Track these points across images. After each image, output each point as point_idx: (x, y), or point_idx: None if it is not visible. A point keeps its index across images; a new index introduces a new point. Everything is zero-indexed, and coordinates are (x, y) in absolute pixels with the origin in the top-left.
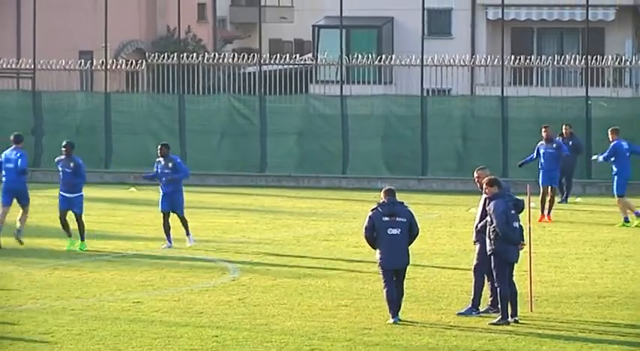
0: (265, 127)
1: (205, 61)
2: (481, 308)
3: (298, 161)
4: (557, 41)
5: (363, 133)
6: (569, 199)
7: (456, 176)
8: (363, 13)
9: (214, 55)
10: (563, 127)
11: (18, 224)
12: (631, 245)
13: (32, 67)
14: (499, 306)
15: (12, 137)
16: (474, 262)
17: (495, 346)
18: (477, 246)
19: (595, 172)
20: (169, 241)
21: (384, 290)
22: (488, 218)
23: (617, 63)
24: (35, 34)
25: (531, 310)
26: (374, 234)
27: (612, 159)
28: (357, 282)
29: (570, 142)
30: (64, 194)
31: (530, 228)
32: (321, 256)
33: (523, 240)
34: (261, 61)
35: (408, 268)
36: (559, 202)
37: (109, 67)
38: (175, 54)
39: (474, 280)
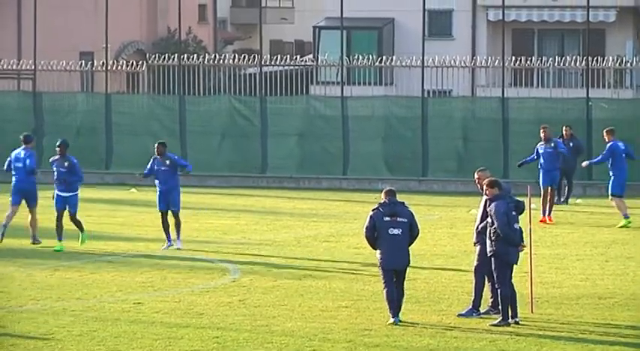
0: (266, 128)
1: (206, 62)
2: (482, 309)
3: (299, 162)
4: (558, 42)
5: (364, 134)
6: (570, 201)
7: (456, 177)
8: (364, 14)
9: (215, 56)
10: (564, 128)
11: (31, 230)
12: (632, 246)
13: (33, 68)
14: (500, 307)
15: (22, 137)
16: (475, 263)
17: (496, 348)
18: (478, 247)
19: (595, 174)
20: (169, 241)
21: (384, 290)
22: (488, 219)
23: (617, 64)
24: (36, 35)
25: (532, 312)
26: (375, 234)
27: (609, 160)
28: (358, 283)
29: (571, 144)
30: (59, 194)
31: (530, 229)
32: (321, 258)
33: (523, 241)
34: (262, 62)
35: (409, 269)
36: (557, 204)
37: (109, 68)
38: (176, 55)
39: (474, 281)
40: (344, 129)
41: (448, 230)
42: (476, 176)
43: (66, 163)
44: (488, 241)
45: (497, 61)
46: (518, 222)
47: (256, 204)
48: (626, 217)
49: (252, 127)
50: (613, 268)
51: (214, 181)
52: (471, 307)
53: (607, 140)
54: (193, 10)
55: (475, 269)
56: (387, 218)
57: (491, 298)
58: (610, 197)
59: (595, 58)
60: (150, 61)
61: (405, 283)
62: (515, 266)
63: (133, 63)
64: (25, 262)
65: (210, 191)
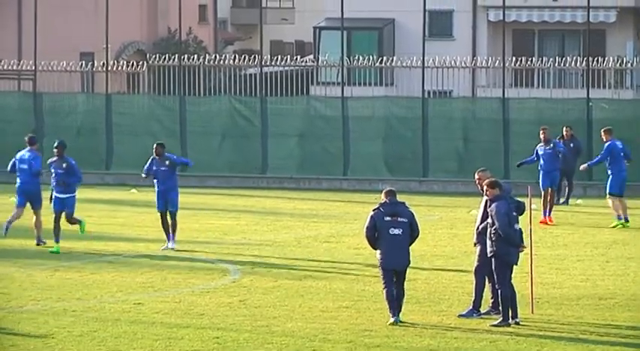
0: (266, 129)
1: (206, 63)
2: (482, 310)
3: (299, 163)
4: (559, 43)
5: (364, 134)
6: (570, 201)
7: (457, 178)
8: (364, 14)
9: (215, 56)
10: (564, 128)
11: (35, 232)
12: (632, 247)
13: (33, 68)
14: (500, 308)
15: (26, 139)
16: (475, 263)
17: (496, 348)
18: (478, 248)
19: (596, 174)
20: (169, 241)
21: (384, 290)
22: (489, 220)
23: (618, 65)
24: (36, 36)
25: (532, 312)
26: (375, 234)
27: (607, 159)
28: (358, 284)
29: (571, 144)
30: (57, 195)
31: (531, 230)
32: (322, 258)
33: (523, 242)
34: (262, 63)
35: (409, 269)
36: (557, 204)
37: (109, 68)
38: (176, 55)
39: (474, 281)
40: (344, 129)
41: (448, 231)
42: (476, 177)
43: (64, 165)
44: (488, 242)
45: (497, 61)
46: (518, 222)
47: (256, 204)
48: (619, 218)
49: (253, 127)
50: (613, 268)
51: (215, 181)
52: (471, 307)
53: (605, 140)
54: (194, 11)
55: (475, 270)
56: (388, 218)
57: (492, 298)
58: (607, 196)
59: (595, 59)
60: (150, 62)
61: (406, 283)
62: (515, 267)
63: (133, 63)
64: (26, 262)
65: (210, 192)
